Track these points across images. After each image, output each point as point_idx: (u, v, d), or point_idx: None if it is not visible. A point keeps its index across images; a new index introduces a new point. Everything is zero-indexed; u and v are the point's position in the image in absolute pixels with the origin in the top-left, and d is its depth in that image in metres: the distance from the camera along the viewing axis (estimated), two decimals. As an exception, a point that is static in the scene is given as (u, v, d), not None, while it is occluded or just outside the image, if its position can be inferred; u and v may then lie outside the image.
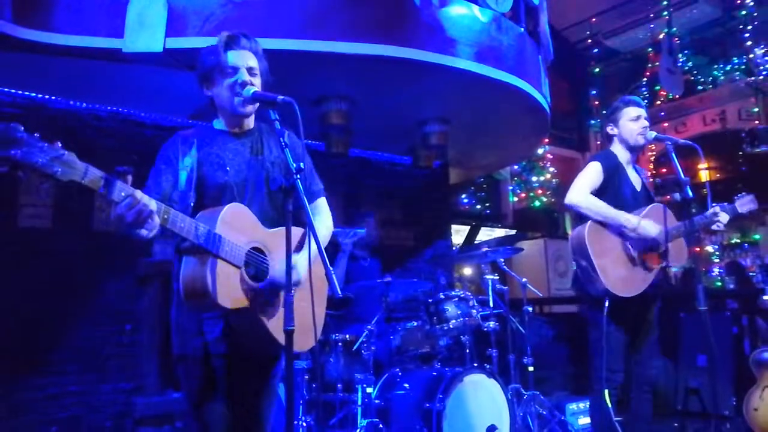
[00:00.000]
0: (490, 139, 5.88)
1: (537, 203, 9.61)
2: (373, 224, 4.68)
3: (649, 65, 9.75)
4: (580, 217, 3.07)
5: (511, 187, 9.72)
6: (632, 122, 3.14)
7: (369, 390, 3.56)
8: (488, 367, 3.81)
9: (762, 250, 8.92)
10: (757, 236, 9.12)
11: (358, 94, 4.47)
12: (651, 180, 3.29)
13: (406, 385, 3.65)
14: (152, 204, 1.66)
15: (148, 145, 4.47)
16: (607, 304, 2.90)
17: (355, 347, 3.70)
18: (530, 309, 4.52)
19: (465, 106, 4.89)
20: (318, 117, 4.55)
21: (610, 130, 3.22)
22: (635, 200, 3.12)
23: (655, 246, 2.97)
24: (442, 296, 3.90)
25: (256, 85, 2.08)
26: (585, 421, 4.44)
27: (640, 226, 2.91)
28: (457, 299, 3.88)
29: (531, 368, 4.21)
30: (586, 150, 10.65)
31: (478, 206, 9.23)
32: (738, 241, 9.36)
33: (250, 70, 2.07)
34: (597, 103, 10.47)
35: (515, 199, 9.76)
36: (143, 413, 3.95)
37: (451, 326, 3.80)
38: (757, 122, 8.76)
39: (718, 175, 9.48)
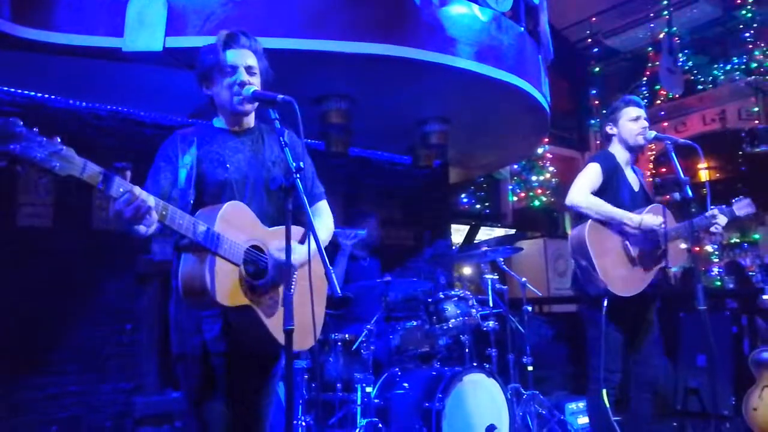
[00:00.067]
0: (490, 139, 5.88)
1: (537, 203, 9.61)
2: (374, 225, 4.67)
3: (650, 65, 9.75)
4: (579, 217, 3.07)
5: (510, 187, 9.72)
6: (632, 122, 3.15)
7: (368, 389, 3.56)
8: (488, 366, 3.81)
9: (761, 250, 8.92)
10: (756, 236, 9.12)
11: (358, 94, 4.47)
12: (650, 180, 3.29)
13: (406, 385, 3.65)
14: (150, 200, 1.66)
15: (148, 144, 4.46)
16: (605, 303, 2.90)
17: (354, 347, 3.69)
18: (530, 308, 4.52)
19: (465, 106, 4.89)
20: (318, 116, 4.55)
21: (610, 129, 3.22)
22: (634, 201, 3.13)
23: (655, 246, 2.97)
24: (442, 296, 3.89)
25: (255, 83, 2.08)
26: (584, 420, 4.43)
27: (643, 221, 2.92)
28: (456, 299, 3.88)
29: (530, 368, 4.21)
30: (586, 150, 10.65)
31: (478, 206, 9.23)
32: (737, 240, 9.37)
33: (249, 68, 2.07)
34: (597, 102, 10.47)
35: (515, 198, 9.76)
36: (143, 413, 3.95)
37: (450, 326, 3.79)
38: (757, 122, 8.76)
39: (717, 174, 9.48)
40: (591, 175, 3.07)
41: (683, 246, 3.12)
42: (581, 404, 4.53)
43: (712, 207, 3.06)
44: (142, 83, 4.16)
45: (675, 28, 9.08)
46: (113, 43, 3.58)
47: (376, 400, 3.59)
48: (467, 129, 5.38)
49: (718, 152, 9.26)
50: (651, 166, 9.84)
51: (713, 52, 9.55)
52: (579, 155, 10.61)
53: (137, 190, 1.63)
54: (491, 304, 4.35)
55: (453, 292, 3.93)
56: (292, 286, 1.77)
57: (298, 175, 1.80)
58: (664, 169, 9.55)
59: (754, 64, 8.81)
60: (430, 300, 3.91)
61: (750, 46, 8.87)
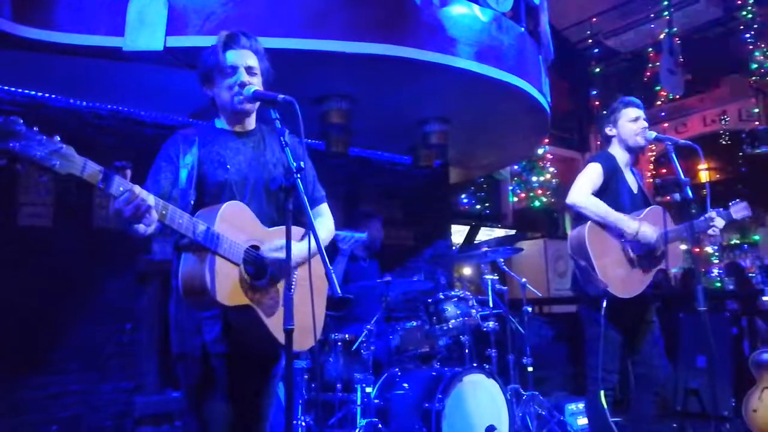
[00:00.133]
0: (490, 139, 5.88)
1: (537, 203, 9.61)
2: (378, 227, 4.66)
3: (650, 65, 9.75)
4: (579, 217, 3.06)
5: (511, 187, 9.72)
6: (631, 123, 3.15)
7: (368, 390, 3.56)
8: (487, 367, 3.81)
9: (761, 251, 8.92)
10: (756, 237, 9.12)
11: (359, 94, 4.46)
12: (651, 180, 3.30)
13: (406, 385, 3.65)
14: (150, 199, 1.66)
15: (148, 144, 4.47)
16: (604, 304, 2.90)
17: (354, 347, 3.70)
18: (530, 309, 4.52)
19: (465, 106, 4.89)
20: (318, 116, 4.55)
21: (609, 131, 3.22)
22: (633, 203, 3.13)
23: (654, 248, 2.97)
24: (442, 296, 3.89)
25: (256, 84, 2.08)
26: (584, 421, 4.43)
27: (640, 232, 2.92)
28: (456, 299, 3.88)
29: (530, 368, 4.21)
30: (587, 150, 10.65)
31: (478, 206, 9.23)
32: (737, 242, 9.37)
33: (249, 69, 2.07)
34: (597, 103, 10.47)
35: (515, 199, 9.76)
36: (143, 412, 3.95)
37: (450, 326, 3.79)
38: (757, 123, 8.76)
39: (718, 175, 9.48)
40: (592, 175, 3.07)
41: (683, 247, 3.12)
42: (581, 405, 4.53)
43: (710, 209, 3.07)
44: (143, 83, 4.16)
45: (675, 29, 9.07)
46: (114, 42, 3.58)
47: (375, 401, 3.59)
48: (467, 129, 5.38)
49: (718, 153, 9.26)
50: (651, 167, 9.84)
51: (714, 52, 9.55)
52: (579, 156, 10.60)
53: (137, 189, 1.63)
54: (491, 305, 4.36)
55: (453, 293, 3.94)
56: (293, 286, 1.77)
57: (298, 175, 1.80)
58: (664, 170, 9.55)
59: (755, 65, 8.81)
60: (430, 300, 3.91)
61: (750, 47, 8.87)
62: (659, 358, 3.05)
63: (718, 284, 8.69)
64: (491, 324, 4.01)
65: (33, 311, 4.00)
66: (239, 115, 2.12)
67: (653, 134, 3.12)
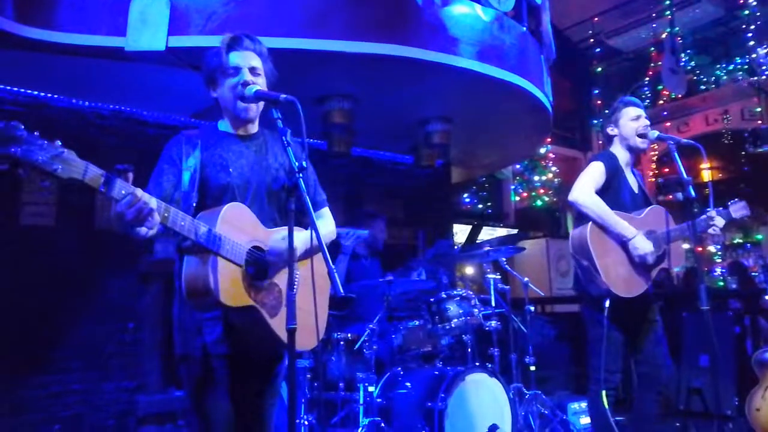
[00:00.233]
0: (492, 139, 5.88)
1: (539, 203, 9.61)
2: (381, 227, 4.65)
3: (652, 65, 9.74)
4: (581, 216, 3.06)
5: (513, 187, 9.72)
6: (633, 122, 3.14)
7: (371, 389, 3.56)
8: (490, 366, 3.81)
9: (764, 250, 8.90)
10: (759, 236, 9.11)
11: (361, 93, 4.47)
12: (653, 180, 3.29)
13: (408, 384, 3.65)
14: (152, 202, 1.66)
15: (150, 144, 4.48)
16: (607, 304, 2.90)
17: (356, 346, 3.70)
18: (532, 308, 4.52)
19: (467, 106, 4.89)
20: (320, 116, 4.55)
21: (611, 131, 3.22)
22: (634, 203, 3.13)
23: (656, 247, 2.97)
24: (444, 295, 3.89)
25: (259, 84, 2.08)
26: (586, 420, 4.42)
27: (633, 242, 2.91)
28: (459, 298, 3.87)
29: (533, 368, 4.21)
30: (589, 149, 10.64)
31: (480, 205, 9.23)
32: (740, 241, 9.35)
33: (252, 70, 2.07)
34: (599, 102, 10.46)
35: (517, 198, 9.76)
36: (146, 411, 3.95)
37: (453, 325, 3.79)
38: (759, 122, 8.74)
39: (720, 175, 9.46)
40: (594, 173, 3.06)
41: (685, 246, 3.12)
42: (583, 404, 4.53)
43: (709, 209, 3.07)
44: (145, 82, 4.16)
45: (677, 28, 9.06)
46: (116, 42, 3.58)
47: (378, 400, 3.59)
48: (469, 129, 5.38)
49: (720, 152, 9.24)
50: (654, 166, 9.82)
51: (716, 52, 9.54)
52: (581, 155, 10.60)
53: (139, 192, 1.63)
54: (494, 304, 4.35)
55: (455, 292, 3.93)
56: (295, 286, 1.77)
57: (300, 175, 1.80)
58: (667, 170, 9.53)
59: (758, 58, 8.77)
60: (432, 300, 3.91)
61: (752, 46, 8.85)
62: (663, 358, 3.04)
63: (721, 283, 8.68)
64: (494, 323, 4.01)
65: (35, 310, 4.01)
66: (243, 118, 2.12)
67: (656, 133, 3.12)
